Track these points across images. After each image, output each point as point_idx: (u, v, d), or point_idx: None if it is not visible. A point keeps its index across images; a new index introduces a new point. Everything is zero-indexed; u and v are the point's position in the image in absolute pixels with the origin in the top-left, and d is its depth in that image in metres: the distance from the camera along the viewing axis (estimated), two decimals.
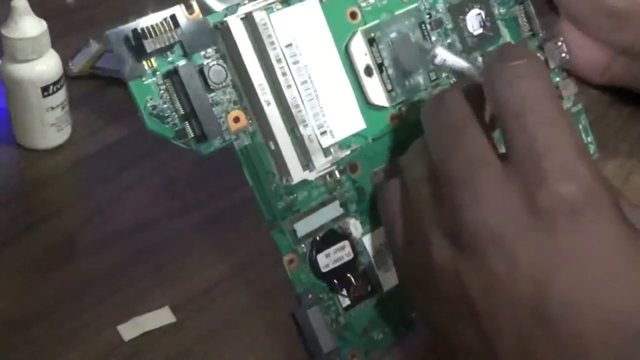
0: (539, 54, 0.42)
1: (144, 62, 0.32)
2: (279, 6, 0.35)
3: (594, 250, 0.28)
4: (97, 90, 0.55)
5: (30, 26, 0.47)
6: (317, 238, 0.36)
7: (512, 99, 0.30)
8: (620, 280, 0.28)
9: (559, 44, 0.43)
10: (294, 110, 0.35)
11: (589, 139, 0.44)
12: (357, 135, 0.37)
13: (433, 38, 0.39)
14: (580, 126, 0.44)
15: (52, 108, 0.49)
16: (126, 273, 0.43)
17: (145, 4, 0.62)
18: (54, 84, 0.48)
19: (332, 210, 0.36)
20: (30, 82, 0.48)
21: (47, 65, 0.48)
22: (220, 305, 0.42)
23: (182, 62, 0.33)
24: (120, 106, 0.54)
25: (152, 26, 0.32)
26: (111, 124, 0.53)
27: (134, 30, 0.32)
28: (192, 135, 0.34)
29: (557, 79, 0.43)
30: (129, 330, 0.40)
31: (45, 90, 0.48)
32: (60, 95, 0.49)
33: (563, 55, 0.43)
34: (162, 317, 0.41)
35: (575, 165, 0.29)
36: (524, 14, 0.42)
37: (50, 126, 0.49)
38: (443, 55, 0.36)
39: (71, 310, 0.41)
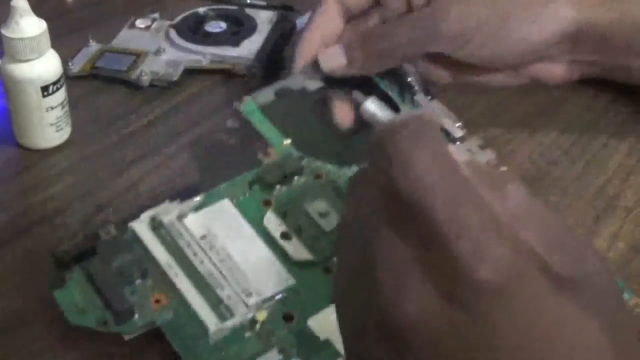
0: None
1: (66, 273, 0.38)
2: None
3: (522, 330, 0.26)
4: (97, 90, 0.55)
5: (30, 26, 0.47)
6: None
7: (403, 188, 0.27)
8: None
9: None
10: (209, 279, 0.38)
11: None
12: (288, 289, 0.38)
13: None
14: None
15: (52, 108, 0.49)
16: None
17: (144, 5, 0.63)
18: (54, 83, 0.48)
19: (272, 358, 0.36)
20: (30, 82, 0.48)
21: (47, 65, 0.48)
22: None
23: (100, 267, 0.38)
24: (120, 106, 0.54)
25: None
26: (111, 124, 0.53)
27: None
28: (112, 320, 0.37)
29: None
30: None
31: (45, 90, 0.48)
32: (60, 95, 0.49)
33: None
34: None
35: (487, 244, 0.26)
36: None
37: (50, 126, 0.49)
38: (371, 109, 0.36)
39: None
